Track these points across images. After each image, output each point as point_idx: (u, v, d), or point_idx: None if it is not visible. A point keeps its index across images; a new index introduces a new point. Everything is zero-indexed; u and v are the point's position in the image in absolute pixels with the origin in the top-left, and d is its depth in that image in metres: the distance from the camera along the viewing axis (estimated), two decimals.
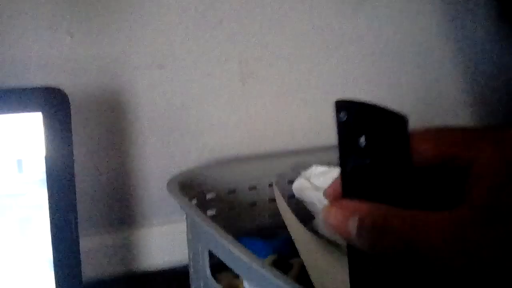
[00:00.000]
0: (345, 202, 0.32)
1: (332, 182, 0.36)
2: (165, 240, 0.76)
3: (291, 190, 0.73)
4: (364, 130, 0.32)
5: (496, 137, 0.29)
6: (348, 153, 0.33)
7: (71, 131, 0.54)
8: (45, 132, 0.53)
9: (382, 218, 0.30)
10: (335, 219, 0.32)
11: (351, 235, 0.31)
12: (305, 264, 0.56)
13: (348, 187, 0.34)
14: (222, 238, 0.50)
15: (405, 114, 0.30)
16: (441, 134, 0.31)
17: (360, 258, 0.34)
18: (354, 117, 0.32)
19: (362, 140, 0.32)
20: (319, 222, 0.69)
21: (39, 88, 0.53)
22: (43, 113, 0.53)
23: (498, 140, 0.29)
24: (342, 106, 0.33)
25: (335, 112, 0.33)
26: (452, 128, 0.32)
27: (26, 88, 0.53)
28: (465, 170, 0.29)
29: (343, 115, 0.33)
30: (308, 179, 0.71)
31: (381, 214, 0.30)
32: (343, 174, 0.34)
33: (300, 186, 0.71)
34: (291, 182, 0.74)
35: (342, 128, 0.34)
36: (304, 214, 0.71)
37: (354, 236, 0.31)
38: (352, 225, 0.30)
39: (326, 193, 0.36)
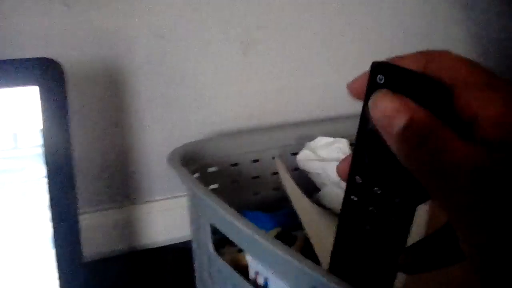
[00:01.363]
0: (402, 97, 0.29)
1: (345, 158, 0.34)
2: (167, 215, 0.75)
3: (295, 163, 0.72)
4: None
5: (508, 85, 0.28)
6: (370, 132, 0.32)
7: (67, 105, 0.53)
8: (42, 106, 0.51)
9: (428, 129, 0.28)
10: (385, 106, 0.29)
11: (392, 130, 0.29)
12: (308, 236, 0.55)
13: (366, 147, 0.33)
14: (225, 211, 0.49)
15: (449, 85, 0.29)
16: (460, 70, 0.29)
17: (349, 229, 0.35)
18: (393, 82, 0.31)
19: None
20: (325, 193, 0.68)
21: (34, 60, 0.52)
22: (39, 86, 0.51)
23: (509, 89, 0.28)
24: (380, 69, 0.31)
25: (370, 73, 0.32)
26: (472, 65, 0.30)
27: (21, 60, 0.51)
28: (474, 110, 0.28)
29: (380, 77, 0.31)
30: (313, 151, 0.70)
31: (429, 126, 0.28)
32: (362, 134, 0.33)
33: (304, 157, 0.70)
34: (294, 154, 0.73)
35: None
36: (308, 186, 0.70)
37: (394, 133, 0.29)
38: (399, 122, 0.28)
39: (339, 170, 0.35)
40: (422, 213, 0.47)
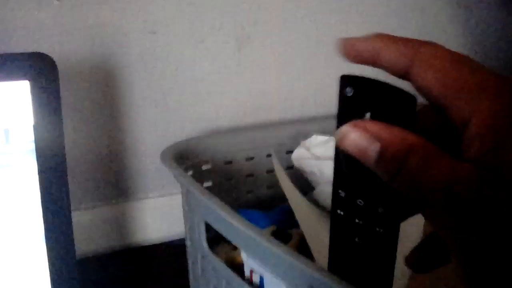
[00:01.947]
0: (368, 124, 0.29)
1: None
2: (161, 213, 0.74)
3: (290, 161, 0.72)
4: (370, 107, 0.31)
5: (504, 87, 0.27)
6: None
7: (60, 100, 0.52)
8: (33, 101, 0.51)
9: (404, 153, 0.28)
10: (354, 142, 0.30)
11: (369, 161, 0.29)
12: (304, 234, 0.55)
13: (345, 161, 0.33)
14: (219, 208, 0.48)
15: (413, 94, 0.29)
16: (449, 71, 0.28)
17: (342, 229, 0.35)
18: (361, 93, 0.32)
19: (368, 116, 0.32)
20: (319, 192, 0.67)
21: (26, 54, 0.51)
22: (30, 81, 0.51)
23: (505, 91, 0.27)
24: (348, 81, 0.32)
25: (340, 86, 0.33)
26: (462, 62, 0.29)
27: (13, 55, 0.51)
28: (463, 120, 0.28)
29: (349, 90, 0.32)
30: (308, 149, 0.70)
31: (404, 149, 0.28)
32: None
33: (299, 155, 0.69)
34: (289, 152, 0.73)
35: (347, 103, 0.32)
36: (303, 184, 0.69)
37: (372, 163, 0.29)
38: (373, 154, 0.29)
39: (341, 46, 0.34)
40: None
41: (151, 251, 0.74)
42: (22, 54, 0.51)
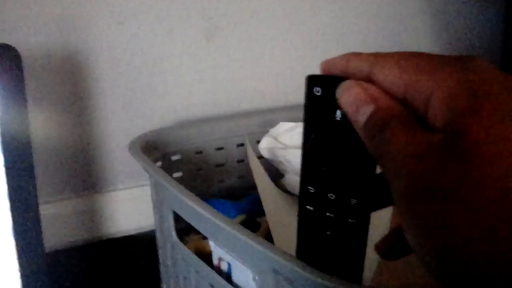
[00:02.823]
0: (365, 84, 0.31)
1: None
2: (131, 204, 0.74)
3: (259, 151, 0.72)
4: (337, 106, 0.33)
5: (459, 64, 0.28)
6: (323, 126, 0.34)
7: (25, 92, 0.52)
8: None
9: (383, 117, 0.29)
10: (351, 98, 0.31)
11: (359, 122, 0.31)
12: (268, 220, 0.55)
13: (314, 158, 0.35)
14: (186, 197, 0.48)
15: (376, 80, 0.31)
16: (405, 60, 0.30)
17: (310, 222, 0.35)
18: (330, 92, 0.32)
19: (339, 114, 0.33)
20: (287, 180, 0.68)
21: None
22: None
23: (460, 67, 0.28)
24: (316, 81, 0.33)
25: (307, 86, 0.34)
26: (418, 54, 0.30)
27: None
28: (426, 99, 0.29)
29: (317, 89, 0.33)
30: (275, 138, 0.70)
31: (386, 114, 0.30)
32: (308, 146, 0.35)
33: (266, 145, 0.70)
34: (259, 142, 0.73)
35: (316, 103, 0.33)
36: (273, 172, 0.70)
37: (361, 121, 0.31)
38: (363, 113, 0.30)
39: (322, 65, 0.35)
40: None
41: (122, 243, 0.74)
42: None
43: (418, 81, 0.29)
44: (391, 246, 0.36)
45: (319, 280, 0.34)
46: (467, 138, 0.26)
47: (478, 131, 0.26)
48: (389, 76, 0.30)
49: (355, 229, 0.34)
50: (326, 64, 0.35)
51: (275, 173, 0.70)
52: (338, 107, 0.32)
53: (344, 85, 0.32)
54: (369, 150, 0.30)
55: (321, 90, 0.33)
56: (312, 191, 0.35)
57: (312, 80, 0.33)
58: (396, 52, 0.31)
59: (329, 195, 0.34)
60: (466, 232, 0.25)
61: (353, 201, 0.34)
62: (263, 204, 0.55)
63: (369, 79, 0.32)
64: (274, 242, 0.51)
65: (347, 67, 0.33)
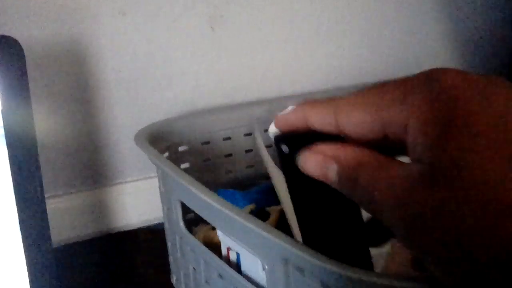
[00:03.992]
0: (321, 148, 0.32)
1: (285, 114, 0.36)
2: (139, 197, 0.73)
3: (268, 139, 0.71)
4: None
5: (426, 84, 0.28)
6: (296, 181, 0.35)
7: (27, 84, 0.51)
8: (0, 86, 0.50)
9: (356, 170, 0.30)
10: (315, 166, 0.32)
11: (333, 181, 0.31)
12: (284, 210, 0.54)
13: (303, 212, 0.36)
14: (193, 186, 0.48)
15: (343, 135, 0.32)
16: (369, 99, 0.30)
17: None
18: (296, 149, 0.33)
19: None
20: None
21: None
22: None
23: (428, 89, 0.28)
24: (282, 140, 0.35)
25: (275, 146, 0.35)
26: (380, 86, 0.30)
27: None
28: (402, 132, 0.29)
29: (285, 148, 0.34)
30: None
31: (355, 166, 0.30)
32: (293, 199, 0.36)
33: (276, 129, 0.69)
34: (267, 130, 0.72)
35: (286, 160, 0.34)
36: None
37: (335, 183, 0.31)
38: (331, 173, 0.31)
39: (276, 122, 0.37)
40: None
41: (130, 236, 0.73)
42: None
43: (390, 116, 0.29)
44: None
45: (330, 267, 0.33)
46: (442, 165, 0.26)
47: (451, 157, 0.25)
48: (358, 121, 0.30)
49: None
50: (280, 121, 0.36)
51: None
52: None
53: (302, 157, 0.32)
54: (355, 201, 0.30)
55: (289, 148, 0.34)
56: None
57: (278, 140, 0.35)
58: (356, 93, 0.31)
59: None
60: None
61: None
62: (278, 194, 0.55)
63: (337, 129, 0.32)
64: (292, 230, 0.51)
65: (308, 123, 0.33)
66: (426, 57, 0.93)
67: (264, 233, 0.39)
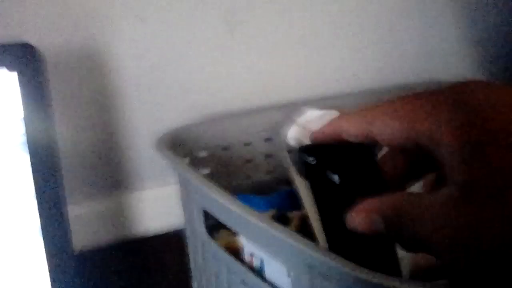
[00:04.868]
0: (362, 206, 0.33)
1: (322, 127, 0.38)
2: (159, 203, 0.73)
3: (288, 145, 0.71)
4: (336, 169, 0.34)
5: (455, 102, 0.29)
6: (322, 190, 0.36)
7: (49, 91, 0.51)
8: (22, 93, 0.50)
9: (396, 216, 0.31)
10: (363, 224, 0.33)
11: (381, 232, 0.32)
12: (308, 216, 0.54)
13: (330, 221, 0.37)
14: (216, 194, 0.47)
15: (369, 145, 0.33)
16: (401, 110, 0.31)
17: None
18: (323, 159, 0.35)
19: (336, 179, 0.34)
20: None
21: (11, 45, 0.50)
22: (18, 72, 0.50)
23: (457, 107, 0.29)
24: (307, 151, 0.36)
25: (300, 157, 0.36)
26: (411, 97, 0.32)
27: None
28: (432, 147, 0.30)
29: (311, 159, 0.35)
30: (304, 126, 0.68)
31: (395, 213, 0.31)
32: (319, 208, 0.37)
33: (294, 134, 0.68)
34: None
35: (312, 171, 0.36)
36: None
37: (383, 232, 0.32)
38: (378, 224, 0.32)
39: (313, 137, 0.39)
40: None
41: (150, 242, 0.73)
42: (7, 45, 0.50)
43: (423, 129, 0.30)
44: None
45: (358, 274, 0.33)
46: (475, 186, 0.27)
47: (484, 177, 0.27)
48: (392, 130, 0.31)
49: None
50: (318, 136, 0.38)
51: None
52: (334, 171, 0.34)
53: (349, 217, 0.33)
54: (402, 241, 0.32)
55: (316, 159, 0.35)
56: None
57: (303, 151, 0.36)
58: (389, 103, 0.32)
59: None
60: None
61: None
62: (301, 201, 0.54)
63: (370, 138, 0.33)
64: (316, 235, 0.50)
65: (343, 135, 0.35)
66: (439, 60, 0.92)
67: (290, 240, 0.38)
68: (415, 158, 0.35)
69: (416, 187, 0.37)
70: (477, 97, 0.28)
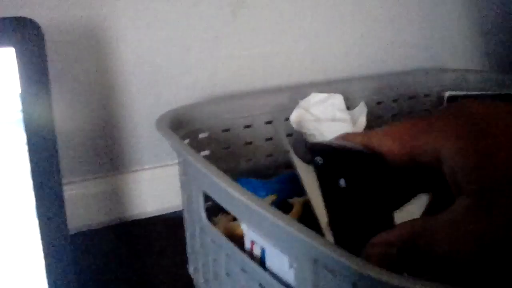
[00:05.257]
0: (376, 240, 0.33)
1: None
2: (157, 185, 0.72)
3: (288, 128, 0.70)
4: (342, 173, 0.34)
5: (451, 117, 0.30)
6: (330, 192, 0.36)
7: (47, 67, 0.50)
8: (19, 69, 0.48)
9: (410, 239, 0.31)
10: (378, 258, 0.33)
11: (397, 260, 0.32)
12: (311, 202, 0.53)
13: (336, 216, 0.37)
14: (218, 178, 0.46)
15: (377, 153, 0.33)
16: (400, 133, 0.32)
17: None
18: (331, 161, 0.34)
19: (342, 183, 0.34)
20: None
21: (9, 19, 0.49)
22: (16, 47, 0.48)
23: (454, 121, 0.30)
24: (316, 150, 0.35)
25: (311, 156, 0.35)
26: (414, 122, 0.32)
27: None
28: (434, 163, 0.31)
29: (319, 159, 0.35)
30: (306, 109, 0.67)
31: (408, 237, 0.32)
32: (327, 206, 0.37)
33: (298, 117, 0.67)
34: (287, 119, 0.71)
35: (320, 171, 0.35)
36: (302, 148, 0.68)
37: (398, 259, 0.32)
38: (393, 255, 0.32)
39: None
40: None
41: (147, 224, 0.72)
42: (6, 19, 0.48)
43: (419, 146, 0.31)
44: None
45: (365, 271, 0.32)
46: (486, 195, 0.27)
47: (493, 185, 0.27)
48: (387, 150, 0.33)
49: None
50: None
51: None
52: (340, 175, 0.34)
53: (365, 254, 0.34)
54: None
55: (322, 159, 0.34)
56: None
57: (312, 150, 0.35)
58: (387, 126, 0.33)
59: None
60: None
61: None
62: (304, 187, 0.53)
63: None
64: (319, 223, 0.50)
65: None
66: (443, 47, 0.91)
67: (295, 232, 0.37)
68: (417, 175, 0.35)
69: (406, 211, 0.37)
70: (474, 111, 0.29)
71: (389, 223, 0.35)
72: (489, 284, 0.29)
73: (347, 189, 0.34)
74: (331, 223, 0.37)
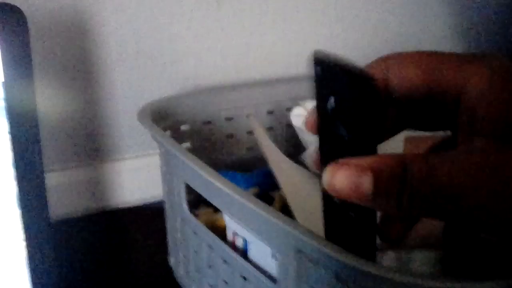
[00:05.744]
0: (353, 160, 0.28)
1: (312, 111, 0.34)
2: (138, 174, 0.72)
3: (270, 122, 0.70)
4: (334, 90, 0.30)
5: (484, 61, 0.29)
6: (322, 111, 0.32)
7: (30, 54, 0.49)
8: (2, 56, 0.48)
9: (401, 168, 0.27)
10: (344, 181, 0.28)
11: (368, 195, 0.27)
12: (286, 196, 0.53)
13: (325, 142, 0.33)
14: (201, 169, 0.46)
15: (372, 75, 0.28)
16: (425, 60, 0.30)
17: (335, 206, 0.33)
18: (327, 75, 0.30)
19: (332, 101, 0.31)
20: (308, 154, 0.66)
21: None
22: None
23: (486, 64, 0.28)
24: (317, 60, 0.31)
25: (313, 64, 0.31)
26: (440, 53, 0.31)
27: None
28: (455, 97, 0.29)
29: (318, 69, 0.31)
30: (305, 109, 0.68)
31: (399, 165, 0.27)
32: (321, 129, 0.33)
33: (298, 112, 0.67)
34: (270, 112, 0.71)
35: (317, 83, 0.32)
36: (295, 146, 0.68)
37: (370, 196, 0.27)
38: (367, 184, 0.27)
39: (306, 124, 0.34)
40: None
41: (128, 213, 0.72)
42: None
43: (445, 78, 0.29)
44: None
45: (351, 261, 0.32)
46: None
47: None
48: (408, 76, 0.30)
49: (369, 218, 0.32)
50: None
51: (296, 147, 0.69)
52: (332, 92, 0.30)
53: (328, 172, 0.29)
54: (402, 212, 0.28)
55: (320, 70, 0.31)
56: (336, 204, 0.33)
57: (315, 58, 0.31)
58: (411, 52, 0.31)
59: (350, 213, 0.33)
60: None
61: None
62: (278, 179, 0.53)
63: (385, 83, 0.31)
64: (296, 218, 0.50)
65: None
66: (431, 41, 0.92)
67: (278, 222, 0.38)
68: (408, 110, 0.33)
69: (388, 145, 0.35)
70: (504, 62, 0.28)
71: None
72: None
73: (336, 110, 0.30)
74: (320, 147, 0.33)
